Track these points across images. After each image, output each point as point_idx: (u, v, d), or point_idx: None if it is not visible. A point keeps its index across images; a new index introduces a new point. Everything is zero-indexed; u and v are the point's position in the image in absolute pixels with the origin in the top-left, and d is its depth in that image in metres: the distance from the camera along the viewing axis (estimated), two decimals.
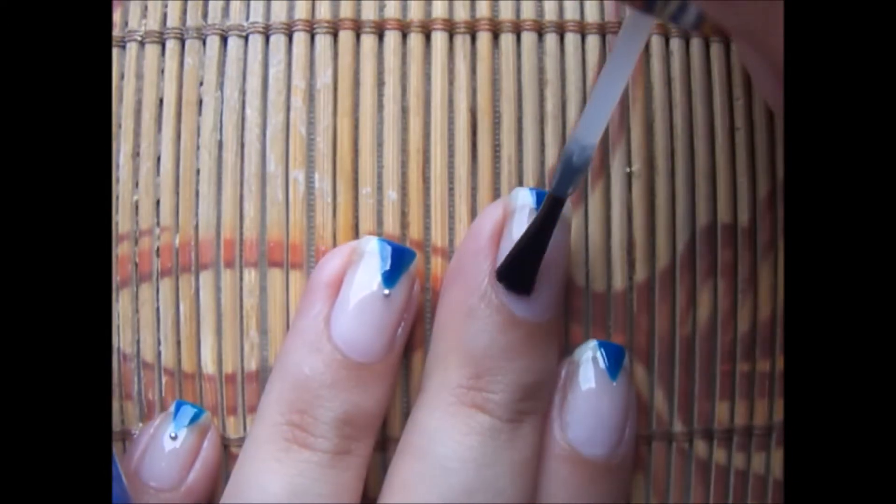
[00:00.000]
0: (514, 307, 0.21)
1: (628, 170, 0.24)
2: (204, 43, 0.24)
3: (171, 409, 0.23)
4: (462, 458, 0.20)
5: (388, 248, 0.22)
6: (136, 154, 0.24)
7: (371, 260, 0.22)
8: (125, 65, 0.24)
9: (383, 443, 0.23)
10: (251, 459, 0.21)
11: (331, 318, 0.21)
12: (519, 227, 0.21)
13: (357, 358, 0.21)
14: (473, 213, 0.23)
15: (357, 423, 0.21)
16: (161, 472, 0.22)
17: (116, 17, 0.24)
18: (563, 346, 0.23)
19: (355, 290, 0.21)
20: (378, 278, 0.21)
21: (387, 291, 0.21)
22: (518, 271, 0.21)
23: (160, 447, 0.22)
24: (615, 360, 0.23)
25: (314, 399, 0.21)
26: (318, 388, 0.21)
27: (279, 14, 0.24)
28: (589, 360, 0.23)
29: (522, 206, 0.22)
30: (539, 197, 0.22)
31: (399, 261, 0.22)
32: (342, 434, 0.21)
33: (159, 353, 0.24)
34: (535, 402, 0.21)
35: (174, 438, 0.22)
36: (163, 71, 0.24)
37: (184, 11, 0.24)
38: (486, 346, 0.21)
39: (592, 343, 0.23)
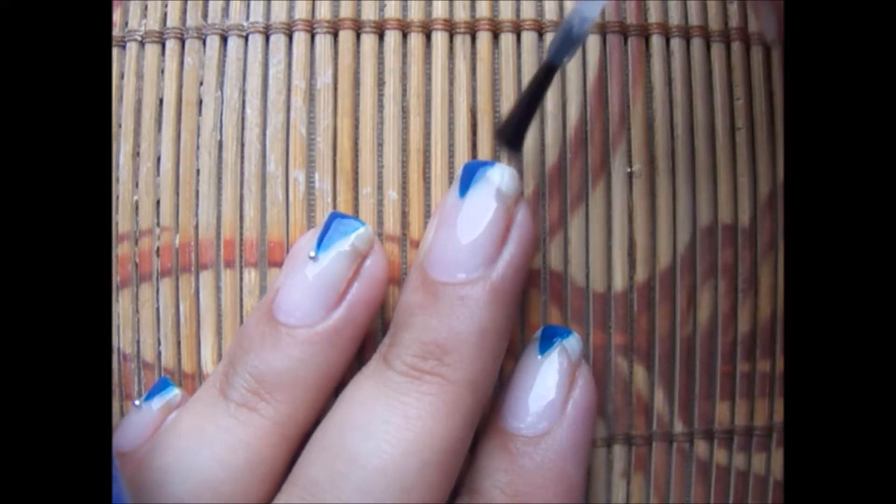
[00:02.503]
0: (429, 268, 0.21)
1: (629, 170, 0.24)
2: (204, 43, 0.24)
3: (155, 383, 0.23)
4: (352, 399, 0.21)
5: (334, 219, 0.22)
6: (136, 154, 0.24)
7: (317, 228, 0.22)
8: (125, 65, 0.24)
9: None
10: (188, 401, 0.23)
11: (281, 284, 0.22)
12: (450, 190, 0.22)
13: (279, 317, 0.21)
14: None
15: (263, 381, 0.21)
16: (123, 436, 0.23)
17: (116, 16, 0.24)
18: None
19: (292, 254, 0.22)
20: (313, 243, 0.22)
21: (312, 254, 0.22)
22: (511, 130, 0.22)
23: (129, 414, 0.23)
24: (550, 338, 0.23)
25: (238, 350, 0.22)
26: (244, 342, 0.22)
27: (279, 14, 0.24)
28: (531, 341, 0.23)
29: (457, 177, 0.22)
30: (466, 165, 0.22)
31: (336, 228, 0.22)
32: (246, 387, 0.21)
33: (159, 354, 0.24)
34: (441, 365, 0.21)
35: (138, 407, 0.23)
36: (163, 71, 0.24)
37: (184, 11, 0.24)
38: (400, 305, 0.22)
39: (542, 328, 0.23)
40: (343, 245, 0.22)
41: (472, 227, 0.21)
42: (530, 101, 0.22)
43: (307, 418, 0.22)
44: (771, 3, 0.19)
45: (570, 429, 0.22)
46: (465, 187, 0.22)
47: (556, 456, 0.22)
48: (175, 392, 0.23)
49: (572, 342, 0.23)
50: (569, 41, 0.21)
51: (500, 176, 0.22)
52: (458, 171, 0.22)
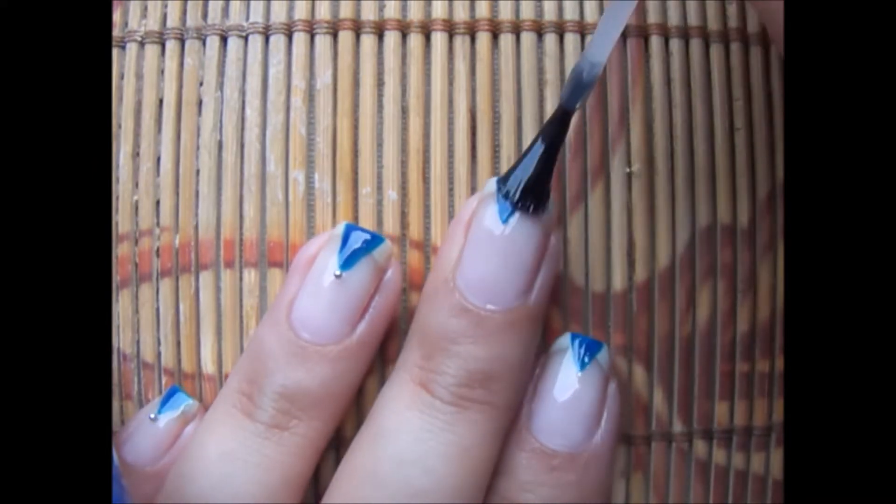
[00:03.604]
0: (468, 293, 0.21)
1: (628, 170, 0.24)
2: (204, 43, 0.24)
3: (166, 391, 0.23)
4: (399, 429, 0.21)
5: (353, 233, 0.22)
6: (136, 154, 0.24)
7: (334, 242, 0.22)
8: (125, 65, 0.24)
9: None
10: (204, 421, 0.22)
11: (295, 298, 0.22)
12: (490, 213, 0.22)
13: (306, 337, 0.21)
14: None
15: (296, 401, 0.21)
16: (139, 449, 0.23)
17: (116, 17, 0.24)
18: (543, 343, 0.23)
19: (313, 271, 0.22)
20: (335, 259, 0.22)
21: (338, 272, 0.22)
22: (532, 186, 0.21)
23: (143, 426, 0.23)
24: (587, 353, 0.23)
25: (262, 370, 0.21)
26: (267, 361, 0.21)
27: (279, 14, 0.24)
28: (559, 352, 0.23)
29: (488, 193, 0.22)
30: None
31: (360, 245, 0.22)
32: (278, 408, 0.21)
33: (159, 354, 0.24)
34: (486, 392, 0.21)
35: (154, 420, 0.23)
36: (163, 71, 0.24)
37: (184, 12, 0.24)
38: (437, 328, 0.21)
39: (567, 335, 0.23)
40: (367, 262, 0.22)
41: (519, 255, 0.21)
42: (549, 151, 0.21)
43: (334, 429, 0.22)
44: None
45: (606, 440, 0.22)
46: (507, 212, 0.21)
47: (597, 468, 0.22)
48: (191, 402, 0.23)
49: (605, 355, 0.23)
50: (580, 87, 0.21)
51: (550, 214, 0.22)
52: (489, 186, 0.22)
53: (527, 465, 0.22)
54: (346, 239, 0.22)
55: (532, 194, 0.21)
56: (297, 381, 0.21)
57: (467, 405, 0.21)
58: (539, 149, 0.21)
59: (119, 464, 0.22)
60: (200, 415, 0.23)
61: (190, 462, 0.21)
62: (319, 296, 0.22)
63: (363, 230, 0.22)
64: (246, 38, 0.24)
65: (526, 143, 0.24)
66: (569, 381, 0.22)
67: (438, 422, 0.21)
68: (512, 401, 0.22)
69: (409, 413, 0.21)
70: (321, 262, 0.22)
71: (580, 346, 0.23)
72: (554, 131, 0.21)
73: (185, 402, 0.23)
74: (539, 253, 0.22)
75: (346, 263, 0.22)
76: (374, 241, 0.22)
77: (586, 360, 0.22)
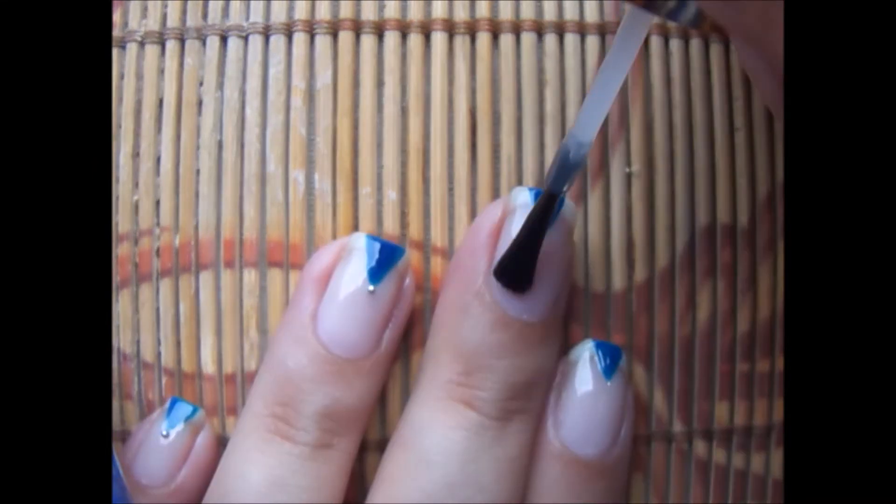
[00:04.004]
0: (507, 306, 0.21)
1: (628, 170, 0.24)
2: (204, 43, 0.24)
3: (167, 405, 0.23)
4: (446, 452, 0.21)
5: (376, 245, 0.22)
6: (135, 154, 0.24)
7: (358, 256, 0.22)
8: (125, 65, 0.24)
9: (380, 443, 0.23)
10: (235, 450, 0.22)
11: (317, 314, 0.21)
12: (517, 225, 0.21)
13: (341, 353, 0.21)
14: (473, 213, 0.23)
15: (338, 418, 0.21)
16: (151, 469, 0.22)
17: (116, 17, 0.24)
18: (563, 346, 0.23)
19: (342, 286, 0.22)
20: (364, 274, 0.22)
21: (371, 288, 0.21)
22: (514, 269, 0.21)
23: (152, 444, 0.22)
24: (611, 360, 0.23)
25: (297, 392, 0.21)
26: (301, 382, 0.21)
27: (279, 14, 0.24)
28: (584, 360, 0.23)
29: (522, 205, 0.22)
30: (538, 196, 0.22)
31: (386, 257, 0.22)
32: (323, 428, 0.21)
33: (159, 353, 0.24)
34: (526, 401, 0.21)
35: (166, 436, 0.22)
36: (163, 71, 0.24)
37: (184, 12, 0.24)
38: (476, 344, 0.21)
39: (589, 343, 0.23)
40: (393, 274, 0.22)
41: (554, 267, 0.21)
42: (531, 233, 0.21)
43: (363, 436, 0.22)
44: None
45: (628, 443, 0.23)
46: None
47: (623, 472, 0.23)
48: (197, 410, 0.23)
49: (625, 362, 0.23)
50: (567, 168, 0.20)
51: (572, 212, 0.22)
52: (520, 198, 0.22)
53: (559, 476, 0.22)
54: (373, 252, 0.22)
55: (507, 271, 0.21)
56: (338, 398, 0.21)
57: (512, 417, 0.21)
58: (523, 229, 0.21)
59: (129, 486, 0.22)
60: (207, 422, 0.23)
61: (235, 494, 0.21)
62: (349, 311, 0.21)
63: (384, 242, 0.22)
64: (246, 39, 0.24)
65: (526, 142, 0.24)
66: (597, 391, 0.22)
67: (486, 439, 0.21)
68: (543, 403, 0.22)
69: (455, 434, 0.21)
70: (349, 276, 0.22)
71: (605, 355, 0.23)
72: (538, 216, 0.21)
73: (190, 412, 0.23)
74: (570, 261, 0.22)
75: (376, 277, 0.22)
76: (398, 252, 0.22)
77: (612, 368, 0.23)
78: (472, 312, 0.21)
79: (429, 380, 0.22)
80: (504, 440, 0.21)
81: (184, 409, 0.23)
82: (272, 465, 0.21)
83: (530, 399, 0.21)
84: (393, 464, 0.21)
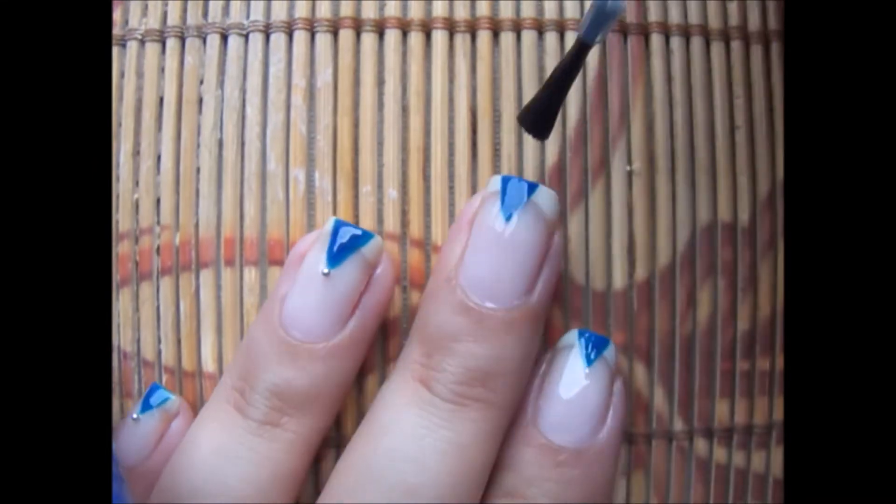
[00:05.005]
0: (471, 292, 0.21)
1: (628, 168, 0.24)
2: (204, 41, 0.24)
3: (146, 391, 0.23)
4: (396, 425, 0.21)
5: (345, 230, 0.22)
6: (136, 153, 0.24)
7: (322, 239, 0.22)
8: (125, 63, 0.24)
9: None
10: (199, 417, 0.22)
11: (285, 296, 0.22)
12: (490, 211, 0.21)
13: (296, 335, 0.21)
14: None
15: (287, 399, 0.21)
16: (124, 450, 0.23)
17: (117, 15, 0.24)
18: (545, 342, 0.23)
19: (303, 269, 0.22)
20: (323, 258, 0.22)
21: (325, 270, 0.21)
22: (535, 115, 0.21)
23: (125, 426, 0.23)
24: (595, 350, 0.23)
25: (254, 369, 0.22)
26: (259, 359, 0.22)
27: (279, 12, 0.24)
28: (566, 348, 0.23)
29: (492, 192, 0.22)
30: (504, 182, 0.22)
31: (349, 243, 0.22)
32: (271, 405, 0.21)
33: (159, 352, 0.24)
34: (486, 391, 0.21)
35: (136, 420, 0.23)
36: (163, 69, 0.24)
37: (184, 10, 0.24)
38: (438, 326, 0.21)
39: (574, 332, 0.23)
40: (355, 259, 0.22)
41: (520, 254, 0.21)
42: (560, 83, 0.20)
43: (328, 425, 0.22)
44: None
45: (611, 436, 0.22)
46: (510, 210, 0.21)
47: (602, 465, 0.22)
48: (172, 399, 0.23)
49: (611, 352, 0.23)
50: (602, 17, 0.18)
51: (546, 201, 0.22)
52: (493, 185, 0.22)
53: (532, 461, 0.22)
54: (334, 235, 0.22)
55: (528, 122, 0.21)
56: (288, 379, 0.21)
57: (466, 403, 0.21)
58: (552, 75, 0.20)
59: (118, 464, 0.23)
60: (184, 410, 0.23)
61: (182, 457, 0.22)
62: (308, 294, 0.22)
63: (351, 226, 0.22)
64: (246, 37, 0.24)
65: (526, 141, 0.24)
66: (576, 377, 0.22)
67: (436, 419, 0.21)
68: (511, 400, 0.22)
69: (408, 409, 0.21)
70: (310, 259, 0.22)
71: (587, 343, 0.23)
72: (567, 65, 0.20)
73: (164, 399, 0.23)
74: (542, 252, 0.22)
75: (334, 261, 0.22)
76: (363, 237, 0.22)
77: (593, 356, 0.22)
78: (438, 296, 0.21)
79: (401, 360, 0.22)
80: (455, 425, 0.21)
81: (160, 395, 0.23)
82: (219, 433, 0.21)
83: (490, 390, 0.21)
84: (356, 434, 0.22)
